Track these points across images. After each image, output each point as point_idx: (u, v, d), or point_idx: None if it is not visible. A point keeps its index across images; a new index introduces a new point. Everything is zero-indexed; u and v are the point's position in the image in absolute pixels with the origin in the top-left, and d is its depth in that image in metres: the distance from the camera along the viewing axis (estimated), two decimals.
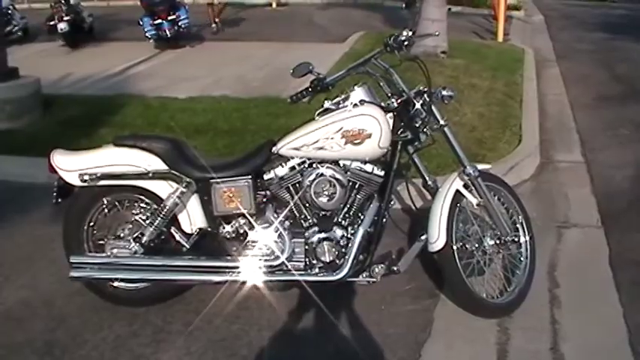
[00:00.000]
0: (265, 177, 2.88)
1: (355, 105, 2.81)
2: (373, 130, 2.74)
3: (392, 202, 3.17)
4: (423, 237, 2.93)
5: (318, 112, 2.91)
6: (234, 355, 2.80)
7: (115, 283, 3.04)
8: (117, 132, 5.12)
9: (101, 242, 3.04)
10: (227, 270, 2.87)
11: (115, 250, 2.94)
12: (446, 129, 2.98)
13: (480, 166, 3.13)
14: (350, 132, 2.74)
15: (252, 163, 2.89)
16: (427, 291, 3.24)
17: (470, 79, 6.76)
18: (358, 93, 2.87)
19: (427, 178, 3.07)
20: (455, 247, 2.92)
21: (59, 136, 5.04)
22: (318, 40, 9.92)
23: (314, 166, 2.83)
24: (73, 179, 2.91)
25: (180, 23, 9.53)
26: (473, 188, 3.01)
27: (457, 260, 2.93)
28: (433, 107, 2.94)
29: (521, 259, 3.21)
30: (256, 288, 3.00)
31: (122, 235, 3.01)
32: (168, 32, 9.40)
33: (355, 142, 2.74)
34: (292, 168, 2.86)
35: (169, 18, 9.39)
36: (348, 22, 11.99)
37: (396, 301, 3.17)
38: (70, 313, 3.11)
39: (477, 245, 3.07)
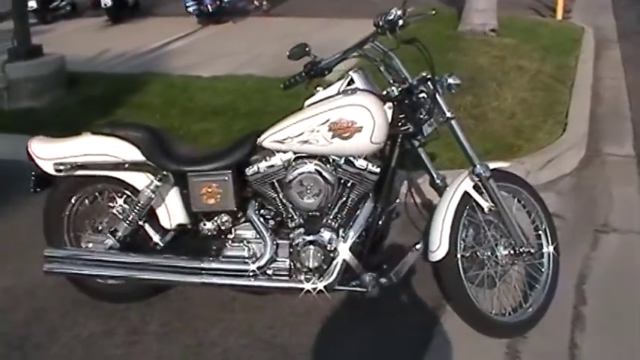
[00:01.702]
0: (248, 171, 2.60)
1: (347, 93, 2.49)
2: (364, 122, 2.41)
3: (397, 201, 2.84)
4: (418, 246, 2.60)
5: (307, 100, 2.60)
6: None
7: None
8: (133, 112, 5.00)
9: (80, 235, 2.86)
10: (202, 271, 2.63)
11: (90, 245, 2.76)
12: (453, 122, 2.62)
13: (496, 165, 2.76)
14: (337, 124, 2.42)
15: (234, 155, 2.61)
16: (434, 301, 2.90)
17: (517, 60, 6.25)
18: (352, 79, 2.54)
19: (435, 176, 2.72)
20: (459, 256, 2.58)
21: (75, 115, 4.92)
22: (367, 16, 9.48)
23: (299, 161, 2.54)
24: (49, 168, 2.73)
25: None
26: (484, 190, 2.65)
27: (460, 271, 2.59)
28: (438, 97, 2.59)
29: (542, 271, 2.83)
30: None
31: (100, 228, 2.82)
32: (209, 7, 9.20)
33: (343, 135, 2.42)
34: (277, 162, 2.57)
35: None
36: None
37: (398, 312, 2.86)
38: (51, 305, 2.96)
39: (488, 254, 2.72)
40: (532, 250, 2.68)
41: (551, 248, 2.85)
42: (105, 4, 9.41)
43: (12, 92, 5.21)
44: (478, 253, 2.72)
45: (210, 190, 2.60)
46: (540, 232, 2.87)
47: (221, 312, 2.86)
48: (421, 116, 2.59)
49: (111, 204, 2.81)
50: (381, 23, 2.58)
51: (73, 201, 2.85)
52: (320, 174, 2.49)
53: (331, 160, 2.54)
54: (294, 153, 2.54)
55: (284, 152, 2.55)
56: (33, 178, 2.79)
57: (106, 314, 2.88)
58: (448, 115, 2.59)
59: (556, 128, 4.74)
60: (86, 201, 2.87)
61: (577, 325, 2.78)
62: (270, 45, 7.74)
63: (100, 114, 4.92)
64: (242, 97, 5.18)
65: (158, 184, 2.63)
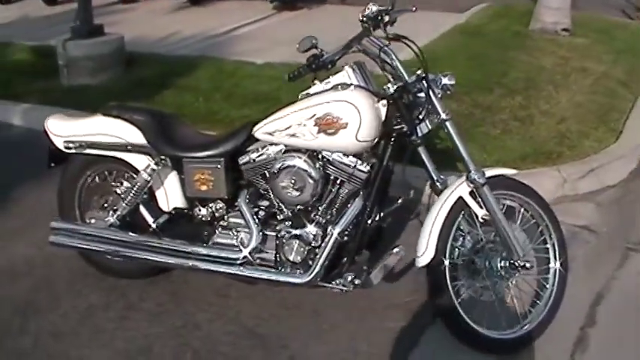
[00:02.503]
0: (241, 160, 2.62)
1: (337, 88, 2.45)
2: (350, 119, 2.36)
3: (399, 201, 2.74)
4: (395, 250, 2.53)
5: (301, 93, 2.57)
6: (185, 345, 2.63)
7: None
8: (178, 94, 5.13)
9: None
10: (191, 256, 2.67)
11: (92, 220, 2.87)
12: (448, 123, 2.51)
13: (499, 171, 2.64)
14: (323, 119, 2.39)
15: (229, 144, 2.63)
16: (427, 307, 2.82)
17: (584, 62, 5.91)
18: (345, 74, 2.49)
19: (435, 178, 2.62)
20: (446, 263, 2.50)
21: (123, 94, 5.11)
22: (443, 8, 9.25)
23: (287, 154, 2.52)
24: (60, 145, 2.86)
25: None
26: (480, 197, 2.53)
27: (447, 279, 2.50)
28: (433, 97, 2.49)
29: (546, 287, 2.70)
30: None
31: (105, 206, 2.93)
32: None
33: (329, 131, 2.39)
34: (267, 154, 2.58)
35: None
36: None
37: (386, 314, 2.81)
38: (61, 275, 3.10)
39: (484, 265, 2.61)
40: (528, 265, 2.54)
41: (557, 264, 2.71)
42: None
43: (71, 69, 5.48)
44: (475, 262, 2.62)
45: (203, 176, 2.64)
46: (548, 246, 2.73)
47: (214, 297, 2.91)
48: (417, 116, 2.51)
49: (115, 183, 2.90)
50: (364, 19, 2.49)
51: (84, 178, 2.97)
52: (303, 169, 2.46)
53: (320, 156, 2.52)
54: (285, 146, 2.53)
55: (276, 144, 2.55)
56: (48, 153, 2.92)
57: (109, 288, 2.99)
58: (443, 116, 2.49)
59: (607, 136, 4.46)
60: (97, 179, 2.97)
61: (579, 347, 2.63)
62: (335, 33, 7.60)
63: (146, 94, 5.11)
64: (287, 85, 5.17)
65: (154, 167, 2.69)
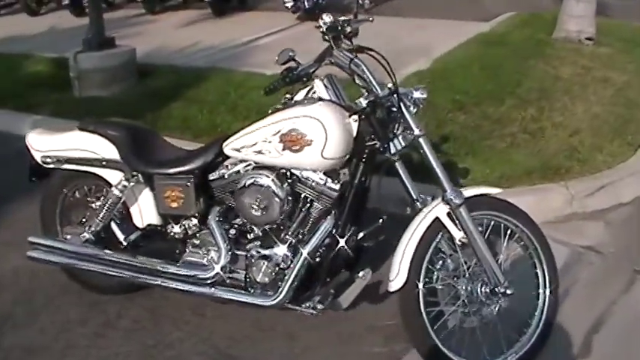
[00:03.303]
0: (211, 177, 2.56)
1: (303, 103, 2.36)
2: (315, 136, 2.27)
3: (380, 221, 2.63)
4: (361, 273, 2.41)
5: (272, 108, 2.49)
6: None
7: None
8: (185, 106, 5.11)
9: None
10: (161, 274, 2.62)
11: (68, 236, 2.84)
12: (421, 140, 2.39)
13: (485, 190, 2.51)
14: (288, 136, 2.30)
15: (199, 160, 2.56)
16: None
17: (605, 72, 5.67)
18: (315, 87, 2.40)
19: (414, 196, 2.49)
20: (420, 287, 2.37)
21: (132, 106, 5.12)
22: (468, 17, 9.07)
23: (254, 171, 2.44)
24: (40, 159, 2.84)
25: None
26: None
27: (420, 304, 2.37)
28: (405, 111, 2.38)
29: (534, 315, 2.54)
30: None
31: (84, 221, 2.89)
32: (306, 3, 9.22)
33: (293, 148, 2.30)
34: (236, 171, 2.51)
35: None
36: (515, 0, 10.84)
37: (364, 338, 2.70)
38: (44, 289, 3.08)
39: (464, 290, 2.47)
40: (509, 292, 2.39)
41: (547, 291, 2.55)
42: None
43: (82, 81, 5.53)
44: (455, 288, 2.49)
45: (173, 193, 2.58)
46: (537, 271, 2.57)
47: (191, 315, 2.85)
48: (391, 131, 2.40)
49: (92, 199, 2.87)
50: (324, 31, 2.39)
51: (64, 193, 2.94)
52: (270, 187, 2.38)
53: (289, 173, 2.43)
54: (255, 162, 2.46)
55: (245, 161, 2.47)
56: (29, 167, 2.91)
57: (89, 303, 2.96)
58: (416, 132, 2.37)
59: (623, 150, 4.25)
60: (77, 194, 2.95)
61: None
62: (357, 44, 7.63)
63: (153, 106, 5.11)
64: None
65: (126, 183, 2.65)
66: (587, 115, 4.73)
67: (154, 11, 10.30)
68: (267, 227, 2.50)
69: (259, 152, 2.37)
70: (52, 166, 2.82)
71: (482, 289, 2.44)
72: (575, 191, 3.73)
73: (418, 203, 2.48)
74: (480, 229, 2.41)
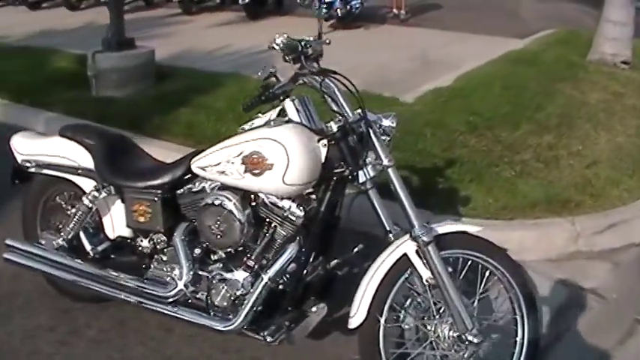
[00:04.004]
0: (178, 192, 2.50)
1: (269, 125, 2.27)
2: (276, 160, 2.17)
3: (354, 250, 2.52)
4: (314, 308, 2.30)
5: (240, 127, 2.41)
6: None
7: None
8: (194, 112, 5.07)
9: None
10: (124, 287, 2.57)
11: (43, 242, 2.82)
12: (390, 170, 2.27)
13: (462, 227, 2.37)
14: (249, 158, 2.21)
15: (168, 175, 2.50)
16: None
17: (637, 99, 5.40)
18: (285, 108, 2.31)
19: (387, 227, 2.34)
20: (380, 327, 2.25)
21: (142, 109, 5.13)
22: (505, 33, 8.83)
23: (217, 192, 2.36)
24: (21, 162, 2.84)
25: (352, 3, 9.19)
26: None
27: (380, 345, 2.25)
28: (375, 139, 2.26)
29: None
30: None
31: (60, 227, 2.87)
32: (339, 11, 9.12)
33: (254, 171, 2.21)
34: (202, 189, 2.43)
35: None
36: (558, 16, 10.50)
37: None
38: (23, 292, 3.06)
39: (432, 333, 2.33)
40: (476, 341, 2.24)
41: (525, 339, 2.39)
42: (243, 0, 9.70)
43: (99, 81, 5.56)
44: (422, 328, 2.35)
45: (141, 207, 2.53)
46: (517, 317, 2.41)
47: (158, 330, 2.78)
48: (362, 159, 2.28)
49: (67, 206, 2.85)
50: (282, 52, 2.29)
51: (44, 197, 2.94)
52: (230, 209, 2.29)
53: (254, 196, 2.34)
54: (222, 182, 2.38)
55: (212, 180, 2.40)
56: (12, 170, 2.90)
57: (61, 310, 2.93)
58: (385, 162, 2.25)
59: None
60: (57, 199, 2.93)
61: None
62: (383, 55, 7.51)
63: (162, 110, 5.10)
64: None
65: (96, 194, 2.62)
66: (608, 145, 4.50)
67: (190, 12, 10.37)
68: (227, 250, 2.42)
69: (222, 173, 2.29)
70: (33, 170, 2.81)
71: (450, 334, 2.30)
72: (581, 228, 3.53)
73: (391, 235, 2.35)
74: (449, 269, 2.27)
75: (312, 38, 2.37)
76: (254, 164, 2.20)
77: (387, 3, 10.36)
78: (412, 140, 4.35)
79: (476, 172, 3.93)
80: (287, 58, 2.28)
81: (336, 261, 2.51)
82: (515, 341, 2.40)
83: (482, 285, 2.40)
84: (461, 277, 2.41)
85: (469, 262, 2.39)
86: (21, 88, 5.86)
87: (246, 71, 6.29)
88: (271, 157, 2.18)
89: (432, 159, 4.10)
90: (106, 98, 5.48)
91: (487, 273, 2.40)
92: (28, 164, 2.80)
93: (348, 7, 9.19)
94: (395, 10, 10.18)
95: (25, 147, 2.83)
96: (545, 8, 11.56)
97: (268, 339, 2.30)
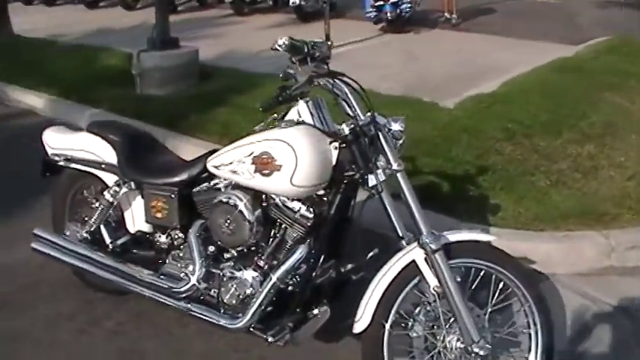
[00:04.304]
0: (194, 190, 2.53)
1: (281, 126, 2.27)
2: (284, 161, 2.17)
3: (369, 255, 2.47)
4: (316, 311, 2.28)
5: (255, 127, 2.42)
6: None
7: None
8: (231, 112, 5.13)
9: None
10: (139, 281, 2.63)
11: (67, 233, 2.91)
12: (399, 175, 2.23)
13: (474, 236, 2.31)
14: (259, 159, 2.22)
15: (185, 173, 2.54)
16: None
17: None
18: (298, 110, 2.31)
19: (400, 233, 2.31)
20: (385, 333, 2.21)
21: (184, 108, 5.23)
22: (558, 39, 8.60)
23: (229, 191, 2.38)
24: (51, 156, 2.93)
25: (402, 7, 9.12)
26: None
27: (384, 350, 2.22)
28: (384, 142, 2.23)
29: None
30: None
31: (85, 220, 2.95)
32: (389, 15, 9.07)
33: (264, 172, 2.21)
34: (217, 187, 2.46)
35: (391, 1, 9.00)
36: (617, 24, 10.14)
37: None
38: (49, 280, 3.16)
39: (441, 342, 2.28)
40: (482, 353, 2.17)
41: (538, 356, 2.32)
42: (293, 2, 9.76)
43: (143, 79, 5.70)
44: (430, 338, 2.30)
45: (158, 203, 2.58)
46: (531, 332, 2.34)
47: (174, 325, 2.83)
48: (373, 163, 2.25)
49: (92, 199, 2.93)
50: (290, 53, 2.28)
51: (73, 190, 3.03)
52: (240, 209, 2.30)
53: (265, 196, 2.35)
54: (234, 181, 2.39)
55: (226, 179, 2.42)
56: (42, 162, 3.00)
57: (83, 300, 3.03)
58: (394, 166, 2.22)
59: None
60: (85, 192, 3.01)
61: None
62: (430, 59, 7.44)
63: (202, 109, 5.18)
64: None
65: (117, 189, 2.69)
66: None
67: (241, 13, 10.50)
68: (239, 249, 2.44)
69: (234, 172, 2.31)
70: (61, 163, 2.90)
71: (457, 345, 2.24)
72: (616, 242, 3.39)
73: (403, 241, 2.31)
74: (458, 278, 2.22)
75: (320, 40, 2.34)
76: (263, 164, 2.21)
77: (439, 7, 10.25)
78: (446, 146, 4.28)
79: (508, 181, 3.83)
80: (293, 60, 2.27)
81: (350, 265, 2.49)
82: (527, 358, 2.34)
83: (496, 296, 2.34)
84: (473, 287, 2.36)
85: (482, 273, 2.33)
86: (71, 84, 6.09)
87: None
88: (280, 158, 2.18)
89: (464, 166, 4.02)
90: (149, 96, 5.61)
91: (501, 284, 2.34)
92: (57, 158, 2.89)
93: (398, 10, 9.12)
94: (446, 15, 10.05)
95: (55, 141, 2.92)
96: (604, 15, 11.19)
97: (270, 339, 2.30)
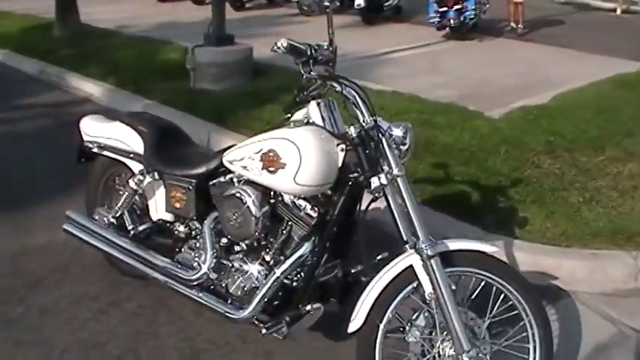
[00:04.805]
0: (210, 183, 2.63)
1: (289, 125, 2.34)
2: (289, 160, 2.23)
3: (378, 257, 2.50)
4: (308, 307, 2.33)
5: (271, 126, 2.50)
6: (133, 351, 2.71)
7: None
8: (278, 111, 5.21)
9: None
10: (155, 267, 2.75)
11: (96, 217, 3.07)
12: (399, 180, 2.24)
13: (474, 246, 2.31)
14: (266, 156, 2.29)
15: (203, 166, 2.64)
16: None
17: None
18: (309, 110, 2.36)
19: (404, 237, 2.27)
20: (378, 335, 2.25)
21: (233, 103, 5.38)
22: (623, 54, 8.25)
23: (240, 185, 2.47)
24: (86, 143, 3.10)
25: (466, 14, 9.02)
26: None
27: (377, 350, 2.25)
28: (386, 147, 2.26)
29: None
30: None
31: (113, 205, 3.10)
32: (452, 22, 9.02)
33: (270, 169, 2.29)
34: (230, 181, 2.55)
35: (455, 7, 8.94)
36: None
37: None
38: (81, 261, 3.34)
39: (434, 349, 2.30)
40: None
41: None
42: (358, 5, 9.81)
43: (197, 74, 5.88)
44: (426, 344, 2.32)
45: (177, 194, 2.70)
46: (529, 346, 2.32)
47: (189, 312, 2.93)
48: (380, 167, 2.28)
49: (119, 186, 3.08)
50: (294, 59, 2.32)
51: (105, 177, 3.19)
52: (247, 203, 2.39)
53: (273, 194, 2.43)
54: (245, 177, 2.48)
55: (238, 174, 2.51)
56: (78, 149, 3.17)
57: (109, 281, 3.18)
58: (395, 171, 2.23)
59: None
60: (116, 179, 3.17)
61: None
62: (488, 69, 7.34)
63: (249, 105, 5.32)
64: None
65: (141, 177, 2.82)
66: None
67: (308, 13, 10.63)
68: (247, 242, 2.52)
69: (245, 168, 2.39)
70: (95, 150, 3.07)
71: (449, 352, 2.25)
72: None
73: (407, 246, 2.32)
74: (453, 286, 2.23)
75: (324, 44, 2.39)
76: (270, 162, 2.28)
77: (506, 16, 10.08)
78: (483, 156, 4.25)
79: (539, 194, 3.76)
80: (297, 62, 2.33)
81: (359, 267, 2.52)
82: None
83: (496, 308, 2.33)
84: (473, 296, 2.36)
85: (482, 283, 2.33)
86: (129, 75, 6.37)
87: (343, 75, 6.40)
88: (285, 157, 2.24)
89: (498, 177, 3.98)
90: (201, 91, 5.79)
91: (502, 296, 2.33)
92: (90, 145, 3.05)
93: (462, 17, 9.06)
94: (513, 24, 9.88)
95: (91, 129, 3.09)
96: None
97: (264, 331, 2.39)
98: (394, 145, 2.29)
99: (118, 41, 8.23)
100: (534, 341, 2.31)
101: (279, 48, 2.23)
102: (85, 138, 3.09)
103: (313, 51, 2.32)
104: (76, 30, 8.51)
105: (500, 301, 2.33)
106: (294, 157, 2.23)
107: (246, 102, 5.39)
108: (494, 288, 2.32)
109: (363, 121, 2.28)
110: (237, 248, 2.60)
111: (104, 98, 6.15)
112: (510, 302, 2.33)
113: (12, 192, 4.21)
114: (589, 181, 3.97)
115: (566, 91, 5.84)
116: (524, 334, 2.33)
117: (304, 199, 2.36)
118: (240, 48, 6.09)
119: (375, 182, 2.26)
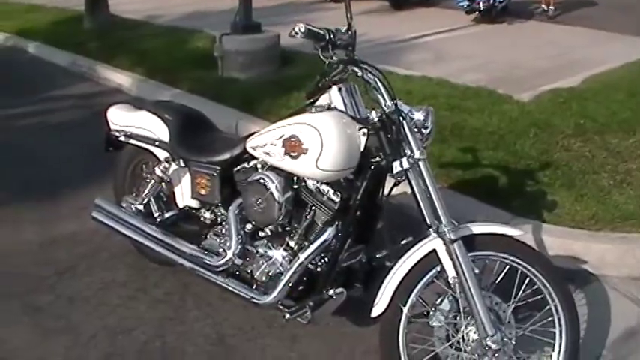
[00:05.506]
0: (235, 170, 2.65)
1: (311, 111, 2.34)
2: (310, 145, 2.23)
3: (402, 242, 2.50)
4: (331, 292, 2.34)
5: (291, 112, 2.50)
6: (160, 336, 2.75)
7: None
8: (303, 97, 5.20)
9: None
10: (181, 253, 2.79)
11: (124, 205, 3.11)
12: (420, 164, 2.22)
13: (499, 229, 2.28)
14: (288, 142, 2.30)
15: (227, 152, 2.66)
16: None
17: None
18: (330, 95, 2.36)
19: (428, 221, 2.26)
20: (402, 319, 2.24)
21: (260, 91, 5.39)
22: None
23: (263, 171, 2.48)
24: (113, 132, 3.15)
25: None
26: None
27: (400, 338, 2.25)
28: (408, 131, 2.24)
29: None
30: None
31: (141, 193, 3.15)
32: (481, 5, 8.87)
33: (292, 154, 2.29)
34: (254, 167, 2.57)
35: None
36: None
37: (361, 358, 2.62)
38: (110, 248, 3.40)
39: (459, 333, 2.28)
40: (495, 347, 2.16)
41: (561, 356, 2.27)
42: None
43: (225, 62, 5.89)
44: (450, 328, 2.31)
45: (202, 181, 2.73)
46: (555, 331, 2.30)
47: (215, 298, 2.97)
48: (402, 150, 2.26)
49: (146, 174, 3.11)
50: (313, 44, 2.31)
51: (132, 165, 3.24)
52: (270, 189, 2.40)
53: (296, 179, 2.44)
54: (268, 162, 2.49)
55: (262, 160, 2.52)
56: (106, 138, 3.22)
57: (137, 268, 3.24)
58: (417, 155, 2.21)
59: None
60: (144, 168, 3.21)
61: None
62: (519, 51, 7.21)
63: (275, 93, 5.32)
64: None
65: (167, 165, 2.85)
66: None
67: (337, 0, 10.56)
68: (272, 228, 2.54)
69: (267, 154, 2.40)
70: (122, 139, 3.11)
71: (473, 336, 2.24)
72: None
73: (431, 230, 2.30)
74: (476, 270, 2.21)
75: (343, 28, 2.37)
76: (292, 147, 2.29)
77: None
78: (511, 139, 4.20)
79: (569, 178, 3.69)
80: (316, 47, 2.32)
81: (384, 252, 2.52)
82: (551, 356, 2.30)
83: (521, 292, 2.31)
84: (498, 280, 2.34)
85: (507, 267, 2.31)
86: (158, 65, 6.42)
87: (372, 61, 6.36)
88: (306, 142, 2.24)
89: (527, 160, 3.92)
90: (229, 79, 5.81)
91: (527, 280, 2.31)
92: (117, 134, 3.10)
93: (491, 0, 8.89)
94: (544, 6, 9.68)
95: (118, 118, 3.13)
96: None
97: (287, 315, 2.40)
98: (415, 129, 2.27)
99: (147, 32, 8.29)
100: (560, 325, 2.29)
101: (297, 33, 2.22)
102: (112, 127, 3.14)
103: (332, 35, 2.29)
104: (105, 21, 8.57)
105: (525, 285, 2.31)
106: (315, 142, 2.23)
107: (273, 89, 5.40)
108: (519, 272, 2.30)
109: (385, 105, 2.26)
110: (261, 234, 2.62)
111: (133, 88, 6.21)
112: (536, 286, 2.31)
113: (43, 180, 4.30)
114: (620, 164, 3.88)
115: (597, 73, 5.71)
116: (549, 319, 2.31)
117: (327, 184, 2.37)
118: (268, 36, 6.08)
119: (397, 166, 2.25)
